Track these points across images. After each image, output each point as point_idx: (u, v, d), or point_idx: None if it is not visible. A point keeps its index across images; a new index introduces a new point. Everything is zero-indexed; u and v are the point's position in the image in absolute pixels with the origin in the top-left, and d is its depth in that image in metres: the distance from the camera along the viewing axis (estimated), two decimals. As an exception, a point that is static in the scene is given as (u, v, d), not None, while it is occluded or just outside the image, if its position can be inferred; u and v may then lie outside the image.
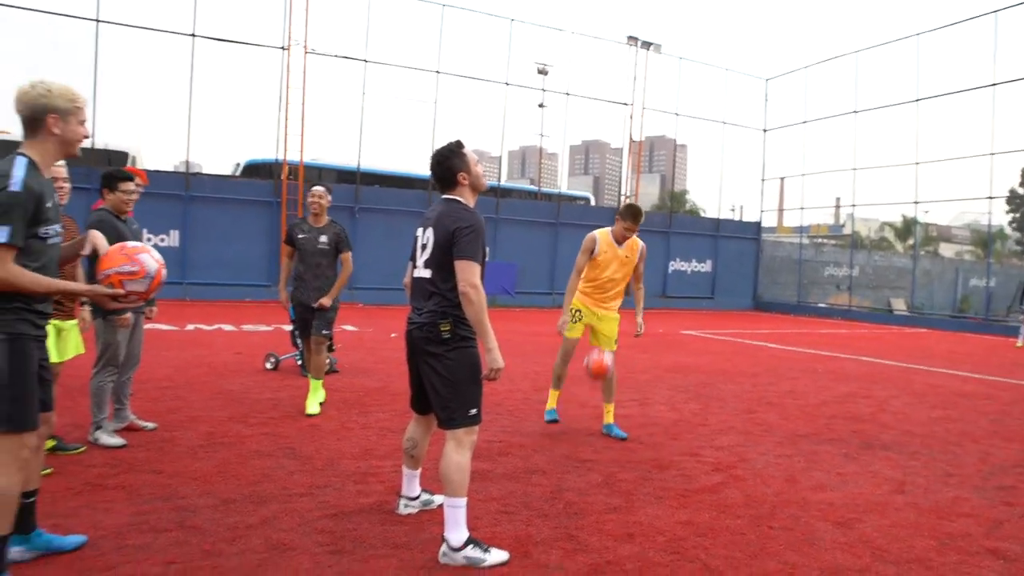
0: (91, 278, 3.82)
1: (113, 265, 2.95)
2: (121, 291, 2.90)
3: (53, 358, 4.10)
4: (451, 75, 21.25)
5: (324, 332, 6.10)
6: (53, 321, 4.12)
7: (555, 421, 5.94)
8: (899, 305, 27.86)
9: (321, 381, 6.15)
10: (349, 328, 12.98)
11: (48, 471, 4.18)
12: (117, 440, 4.83)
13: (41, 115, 2.72)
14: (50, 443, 4.45)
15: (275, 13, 19.26)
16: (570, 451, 5.20)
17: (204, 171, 24.34)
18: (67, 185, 4.22)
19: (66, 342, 4.43)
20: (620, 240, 5.78)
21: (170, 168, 23.94)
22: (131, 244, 3.13)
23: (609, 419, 5.81)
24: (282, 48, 18.68)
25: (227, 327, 12.52)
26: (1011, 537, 3.85)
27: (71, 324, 4.49)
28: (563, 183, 25.23)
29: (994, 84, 20.64)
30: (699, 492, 4.38)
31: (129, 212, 4.99)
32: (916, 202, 23.64)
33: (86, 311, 4.71)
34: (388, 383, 7.65)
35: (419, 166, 24.45)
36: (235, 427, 5.46)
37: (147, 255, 3.04)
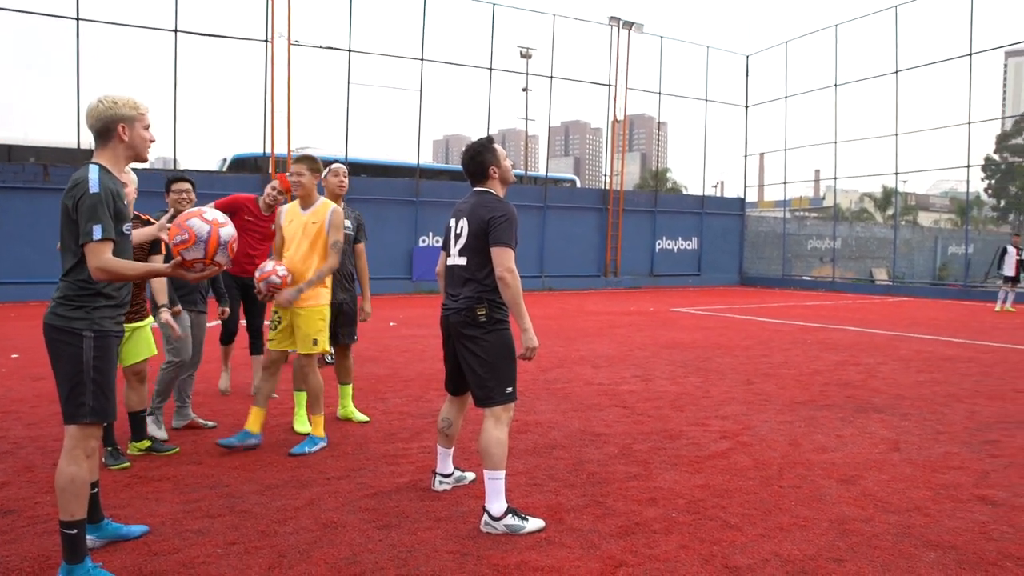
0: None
1: (171, 238, 3.03)
2: (179, 259, 3.00)
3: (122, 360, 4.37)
4: (435, 62, 21.33)
5: (356, 338, 5.72)
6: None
7: (253, 446, 4.83)
8: (881, 275, 28.45)
9: (351, 384, 5.76)
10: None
11: (127, 464, 4.43)
12: (161, 433, 5.06)
13: (112, 125, 2.96)
14: (145, 444, 4.69)
15: (257, 5, 19.25)
16: (583, 426, 5.48)
17: (187, 167, 24.29)
18: (134, 194, 4.33)
19: (137, 344, 4.63)
20: (304, 204, 4.94)
21: (153, 165, 23.94)
22: (185, 212, 3.14)
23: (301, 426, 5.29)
24: (265, 41, 18.68)
25: (214, 323, 12.63)
26: (997, 485, 4.20)
27: (140, 325, 4.66)
28: (544, 165, 25.47)
29: (970, 54, 21.01)
30: (710, 458, 4.68)
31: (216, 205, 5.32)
32: (896, 173, 24.06)
33: (165, 313, 4.86)
34: (397, 370, 7.90)
35: (406, 155, 24.59)
36: (260, 418, 5.68)
37: (196, 219, 3.02)
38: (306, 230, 4.85)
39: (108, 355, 2.97)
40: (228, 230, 3.08)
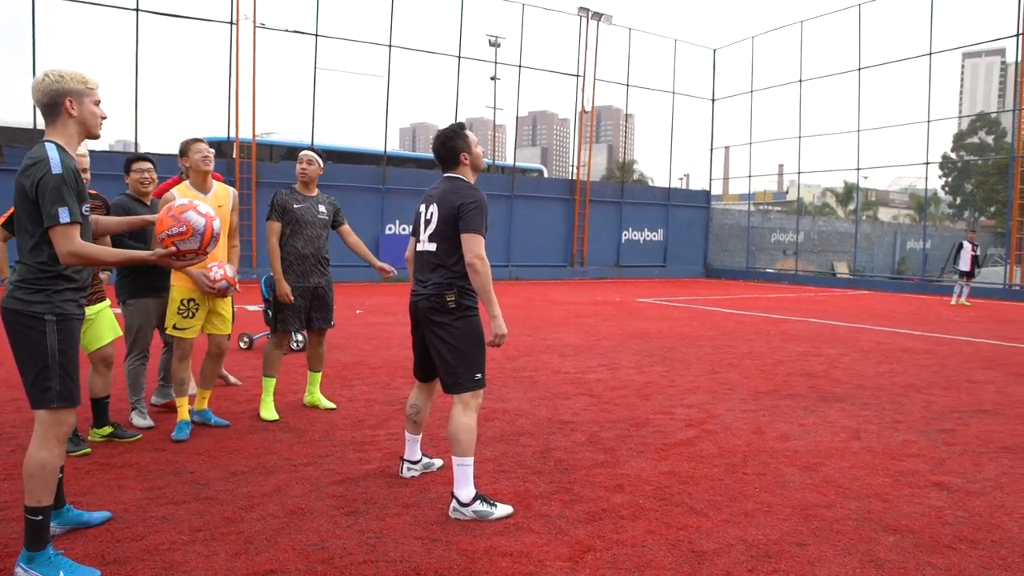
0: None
1: (164, 228, 3.08)
2: (174, 250, 3.05)
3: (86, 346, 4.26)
4: (403, 49, 21.16)
5: (332, 324, 5.59)
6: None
7: (183, 440, 4.69)
8: (842, 268, 29.01)
9: (321, 372, 5.70)
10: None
11: (87, 451, 4.33)
12: (148, 422, 4.97)
13: (59, 100, 2.85)
14: (107, 430, 4.60)
15: (221, -13, 18.86)
16: (551, 414, 5.51)
17: (149, 150, 23.78)
18: (87, 175, 4.24)
19: (101, 327, 4.51)
20: (202, 188, 4.90)
21: (113, 148, 23.35)
22: (179, 203, 3.21)
23: (204, 404, 5.06)
24: (230, 23, 18.33)
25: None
26: (953, 472, 4.32)
27: (99, 308, 4.54)
28: (511, 154, 25.54)
29: (930, 54, 21.46)
30: (676, 446, 4.74)
31: (153, 193, 5.22)
32: (858, 168, 24.52)
33: (103, 274, 4.83)
34: (363, 357, 7.86)
35: (373, 142, 24.32)
36: (224, 404, 5.60)
37: (192, 212, 3.13)
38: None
39: (72, 338, 2.90)
40: (218, 223, 3.25)
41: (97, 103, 2.97)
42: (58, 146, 2.84)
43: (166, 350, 5.29)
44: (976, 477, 4.24)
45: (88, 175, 4.26)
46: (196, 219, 3.11)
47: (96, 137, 3.04)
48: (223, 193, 4.98)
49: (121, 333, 4.74)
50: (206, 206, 3.20)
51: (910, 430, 5.28)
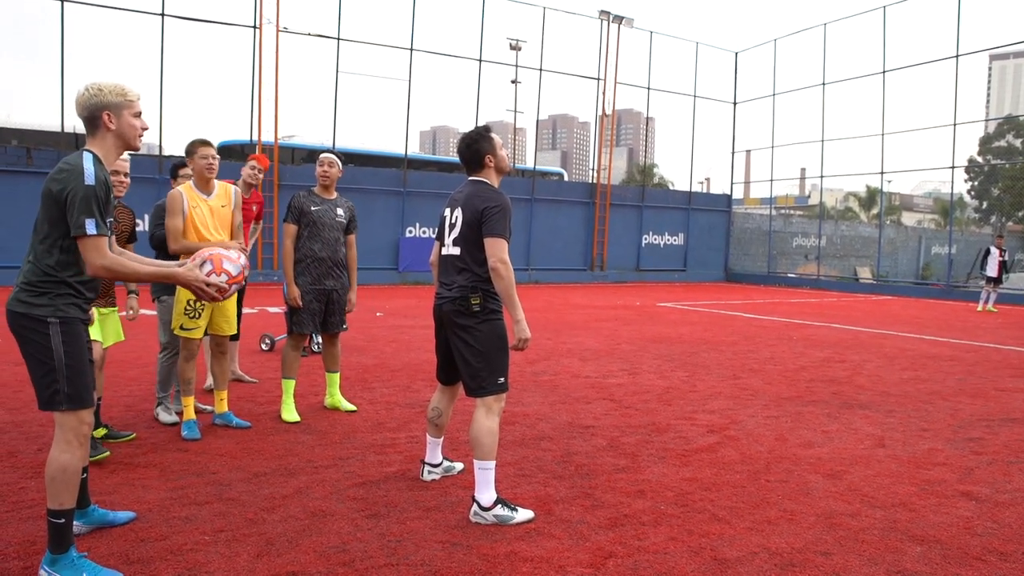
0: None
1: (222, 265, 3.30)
2: (207, 278, 3.10)
3: (96, 338, 4.29)
4: (424, 52, 21.24)
5: (345, 327, 5.59)
6: (96, 308, 4.33)
7: (195, 438, 4.72)
8: (865, 273, 28.69)
9: (339, 372, 5.71)
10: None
11: (106, 454, 4.32)
12: (173, 418, 5.05)
13: (97, 114, 2.87)
14: (100, 431, 4.61)
15: (245, -9, 19.06)
16: (571, 419, 5.49)
17: (173, 154, 24.05)
18: (127, 179, 4.25)
19: (107, 329, 4.56)
20: (205, 190, 4.92)
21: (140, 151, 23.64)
22: (217, 252, 3.40)
23: (223, 407, 5.11)
24: (253, 27, 18.50)
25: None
26: (981, 481, 4.24)
27: (111, 311, 4.60)
28: (531, 158, 25.63)
29: (956, 56, 21.17)
30: (698, 452, 4.71)
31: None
32: (882, 172, 24.23)
33: (133, 300, 4.92)
34: (384, 360, 7.88)
35: (393, 145, 24.42)
36: (246, 406, 5.64)
37: (228, 263, 3.34)
38: (218, 215, 4.89)
39: (77, 340, 2.88)
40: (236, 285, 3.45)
41: (137, 115, 2.95)
42: (95, 157, 2.85)
43: (173, 353, 5.29)
44: (1006, 487, 4.16)
45: (127, 179, 4.27)
46: (232, 267, 3.36)
47: (135, 149, 3.04)
48: (225, 193, 4.99)
49: (124, 338, 4.79)
50: (236, 265, 3.39)
51: (936, 438, 5.20)
